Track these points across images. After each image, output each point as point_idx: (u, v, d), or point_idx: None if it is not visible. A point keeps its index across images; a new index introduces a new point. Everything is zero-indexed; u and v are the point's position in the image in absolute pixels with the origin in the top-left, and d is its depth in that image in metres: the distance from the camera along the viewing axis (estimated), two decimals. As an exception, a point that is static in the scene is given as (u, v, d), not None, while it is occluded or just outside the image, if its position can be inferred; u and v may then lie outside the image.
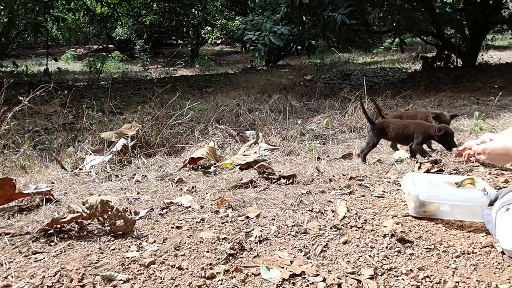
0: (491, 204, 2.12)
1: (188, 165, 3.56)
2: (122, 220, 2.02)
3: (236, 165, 3.53)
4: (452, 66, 10.41)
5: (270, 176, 2.87)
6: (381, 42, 15.05)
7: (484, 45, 12.86)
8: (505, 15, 12.49)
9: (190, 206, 2.41)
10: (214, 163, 3.60)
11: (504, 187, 2.64)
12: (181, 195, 2.67)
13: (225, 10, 19.64)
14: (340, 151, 4.02)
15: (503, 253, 1.92)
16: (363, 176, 2.85)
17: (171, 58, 18.86)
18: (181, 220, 2.25)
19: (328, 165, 3.34)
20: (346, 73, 11.81)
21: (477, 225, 2.18)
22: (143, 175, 3.31)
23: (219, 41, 23.70)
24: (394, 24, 9.02)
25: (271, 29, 7.86)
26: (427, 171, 2.86)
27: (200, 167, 3.54)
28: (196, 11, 16.48)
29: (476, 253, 1.97)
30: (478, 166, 2.93)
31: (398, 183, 2.71)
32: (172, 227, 2.18)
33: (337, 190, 2.63)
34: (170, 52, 20.82)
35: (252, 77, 12.05)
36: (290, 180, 2.84)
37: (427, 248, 1.99)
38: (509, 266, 1.88)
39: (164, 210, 2.42)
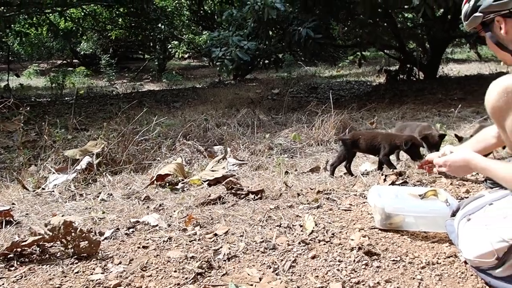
0: (453, 214, 2.18)
1: (155, 182, 3.51)
2: (86, 242, 1.96)
3: (205, 181, 3.51)
4: (414, 79, 10.72)
5: (238, 192, 2.86)
6: (347, 55, 15.36)
7: (444, 58, 13.31)
8: (463, 29, 13.01)
9: (157, 225, 2.37)
10: (182, 180, 3.57)
11: (465, 197, 2.72)
12: (148, 214, 2.63)
13: (192, 25, 19.66)
14: (308, 165, 4.05)
15: (465, 262, 1.97)
16: (330, 190, 2.88)
17: (137, 72, 18.69)
18: (147, 240, 2.21)
19: (296, 179, 3.36)
20: (313, 86, 11.97)
21: (441, 236, 2.23)
22: (108, 194, 3.25)
23: (186, 56, 23.65)
24: (358, 38, 9.23)
25: (238, 44, 7.91)
26: (392, 183, 2.92)
27: (167, 183, 3.49)
28: (163, 26, 16.42)
29: (440, 263, 2.02)
30: (441, 177, 3.01)
31: (365, 196, 2.75)
32: (139, 247, 2.14)
33: (305, 204, 2.65)
34: (137, 66, 20.61)
35: (220, 91, 12.06)
36: (259, 196, 2.84)
37: (393, 260, 2.02)
38: (472, 275, 1.93)
39: (131, 230, 2.37)
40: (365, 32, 8.73)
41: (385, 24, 9.45)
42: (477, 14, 2.05)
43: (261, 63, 8.24)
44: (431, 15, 7.31)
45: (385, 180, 2.99)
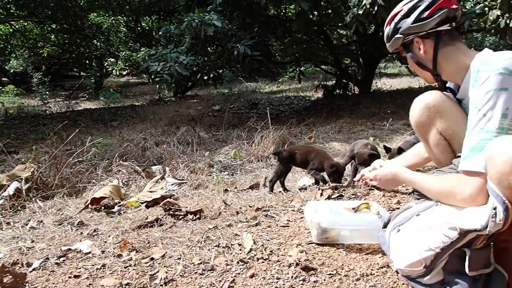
0: (385, 226, 2.26)
1: (90, 206, 3.38)
2: (10, 276, 1.85)
3: (142, 203, 3.42)
4: (350, 94, 11.12)
5: (176, 213, 2.81)
6: (286, 71, 15.69)
7: (377, 73, 13.94)
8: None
9: (90, 252, 2.27)
10: (119, 202, 3.46)
11: (397, 208, 2.83)
12: (80, 240, 2.52)
13: (129, 42, 19.33)
14: (248, 181, 4.07)
15: (397, 272, 2.04)
16: (269, 206, 2.90)
17: (73, 91, 18.07)
18: (79, 268, 2.12)
19: (236, 197, 3.36)
20: (253, 102, 12.10)
21: (374, 247, 2.29)
22: (39, 221, 3.09)
23: (125, 73, 23.19)
24: (295, 55, 9.47)
25: (177, 60, 7.86)
26: (329, 198, 2.99)
27: (103, 207, 3.38)
28: (98, 43, 16.01)
29: (374, 274, 2.08)
30: (373, 190, 3.12)
31: (302, 211, 2.79)
32: (70, 277, 2.04)
33: (244, 222, 2.64)
34: (72, 84, 19.96)
35: (160, 108, 11.90)
36: (197, 216, 2.81)
37: (329, 274, 2.06)
38: (403, 284, 2.00)
39: (61, 259, 2.26)
40: (301, 48, 8.97)
41: (321, 41, 9.77)
42: (398, 35, 2.17)
43: (200, 79, 8.22)
44: (363, 32, 7.65)
45: (321, 194, 3.05)
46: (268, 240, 2.39)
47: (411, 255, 1.91)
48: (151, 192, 3.58)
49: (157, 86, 8.06)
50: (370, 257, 2.22)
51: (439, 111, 2.24)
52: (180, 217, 2.80)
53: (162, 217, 2.81)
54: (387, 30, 2.24)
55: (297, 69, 9.94)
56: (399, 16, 2.16)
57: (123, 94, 19.18)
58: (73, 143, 7.36)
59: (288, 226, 2.58)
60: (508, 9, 6.32)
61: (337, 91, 11.06)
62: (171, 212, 2.83)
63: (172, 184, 3.96)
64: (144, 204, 3.41)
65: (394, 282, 2.02)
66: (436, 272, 1.87)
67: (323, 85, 11.32)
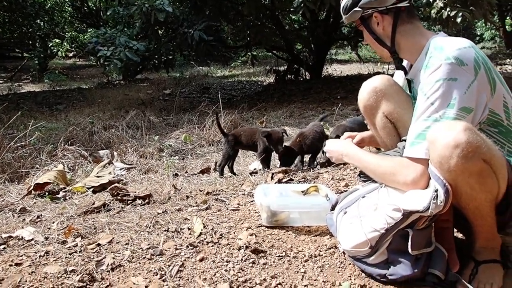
0: (333, 208, 2.32)
1: (33, 192, 3.24)
2: None
3: (89, 188, 3.32)
4: (301, 79, 11.22)
5: (124, 198, 2.75)
6: (238, 56, 15.60)
7: (328, 59, 14.13)
8: (344, 32, 13.94)
9: (32, 239, 2.18)
10: (64, 188, 3.34)
11: (344, 190, 2.90)
12: (22, 227, 2.41)
13: (75, 22, 18.53)
14: (199, 166, 4.04)
15: (344, 253, 2.10)
16: (219, 191, 2.90)
17: (15, 72, 17.16)
18: (21, 256, 2.03)
19: (186, 181, 3.33)
20: (205, 86, 11.98)
21: (323, 229, 2.34)
22: (-24, 208, 2.92)
23: (71, 54, 22.24)
24: (246, 39, 9.42)
25: (127, 44, 7.62)
26: (279, 181, 3.02)
27: (47, 193, 3.25)
28: (42, 22, 15.24)
29: (322, 255, 2.13)
30: (323, 173, 3.19)
31: (252, 195, 2.81)
32: (11, 265, 1.95)
33: (194, 206, 2.63)
34: (15, 66, 18.91)
35: (108, 92, 11.54)
36: (146, 200, 2.76)
37: (279, 256, 2.09)
38: (349, 264, 2.06)
39: (2, 247, 2.16)
40: (252, 32, 8.93)
41: (272, 25, 9.77)
42: (356, 8, 2.10)
43: (152, 64, 8.01)
44: (310, 17, 7.69)
45: (272, 178, 3.08)
46: (218, 224, 2.39)
47: (357, 236, 1.96)
48: (98, 177, 3.47)
49: (105, 70, 7.78)
50: (318, 239, 2.27)
51: (386, 95, 2.30)
52: (129, 202, 2.75)
53: (110, 203, 2.75)
54: (345, 1, 2.16)
55: (250, 54, 9.88)
56: None
57: (70, 77, 18.42)
58: (15, 127, 7.04)
59: (239, 210, 2.59)
60: (451, 1, 6.57)
61: (288, 76, 11.13)
62: (119, 197, 2.77)
63: (121, 169, 3.87)
64: (91, 189, 3.31)
65: (341, 263, 2.08)
66: (380, 252, 1.93)
67: (274, 70, 11.35)
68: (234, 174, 3.56)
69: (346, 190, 2.88)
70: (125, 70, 7.97)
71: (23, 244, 2.17)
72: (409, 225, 1.85)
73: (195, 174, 3.65)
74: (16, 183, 3.67)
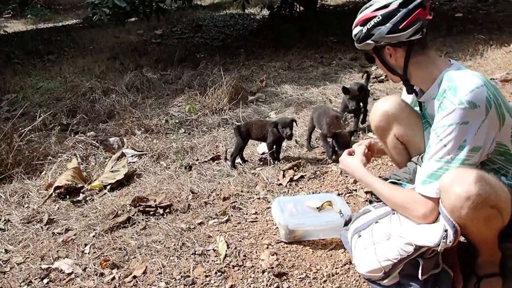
0: (346, 224, 2.50)
1: (53, 192, 3.38)
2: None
3: (106, 185, 3.46)
4: (296, 13, 10.91)
5: (147, 209, 2.90)
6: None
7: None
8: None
9: (72, 272, 2.36)
10: (82, 187, 3.47)
11: (354, 190, 3.07)
12: (57, 251, 2.59)
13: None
14: (208, 146, 4.14)
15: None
16: (235, 195, 3.05)
17: (-6, 5, 16.42)
18: (67, 294, 2.22)
19: (199, 176, 3.45)
20: (197, 24, 11.64)
21: (336, 241, 2.54)
22: (5, 220, 3.07)
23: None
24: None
25: (114, -9, 7.31)
26: (291, 180, 3.17)
27: (67, 194, 3.39)
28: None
29: (338, 273, 2.34)
30: (331, 168, 3.33)
31: (267, 200, 2.98)
32: (60, 306, 2.15)
33: (214, 218, 2.79)
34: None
35: (98, 34, 11.19)
36: (167, 210, 2.92)
37: (300, 278, 2.30)
38: (364, 282, 2.28)
39: (45, 281, 2.34)
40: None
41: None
42: (369, 41, 2.14)
43: (142, 13, 7.74)
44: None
45: (284, 176, 3.23)
46: (240, 241, 2.57)
47: (372, 263, 2.16)
48: (113, 172, 3.59)
49: (93, 17, 7.53)
50: (334, 253, 2.47)
51: (397, 119, 2.40)
52: (151, 213, 2.90)
53: (133, 215, 2.90)
54: (358, 31, 2.19)
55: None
56: (373, 22, 2.10)
57: (53, 9, 17.71)
58: (12, 89, 6.99)
59: (257, 221, 2.76)
60: None
61: (283, 11, 10.81)
62: (141, 209, 2.92)
63: (132, 156, 3.97)
64: (109, 186, 3.45)
65: (356, 281, 2.30)
66: (393, 276, 2.14)
67: (268, 7, 11.00)
68: (245, 161, 3.70)
69: (355, 190, 3.07)
70: (114, 18, 7.69)
71: (65, 278, 2.35)
72: (419, 254, 2.05)
73: (206, 162, 3.76)
74: (33, 177, 3.77)
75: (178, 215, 2.89)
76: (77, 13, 16.64)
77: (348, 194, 3.02)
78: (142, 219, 2.86)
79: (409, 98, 2.52)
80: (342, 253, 2.47)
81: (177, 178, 3.49)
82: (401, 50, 2.14)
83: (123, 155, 3.78)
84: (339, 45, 7.93)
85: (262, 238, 2.60)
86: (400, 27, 2.06)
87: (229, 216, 2.81)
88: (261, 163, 3.67)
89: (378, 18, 2.10)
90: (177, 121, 4.92)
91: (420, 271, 2.04)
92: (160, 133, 4.66)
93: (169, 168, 3.75)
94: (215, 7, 14.33)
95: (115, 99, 5.63)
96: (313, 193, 3.06)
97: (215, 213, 2.86)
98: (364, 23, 2.16)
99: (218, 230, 2.67)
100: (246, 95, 5.53)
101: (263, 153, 3.81)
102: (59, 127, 4.57)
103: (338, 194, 3.00)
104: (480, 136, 1.88)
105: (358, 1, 12.32)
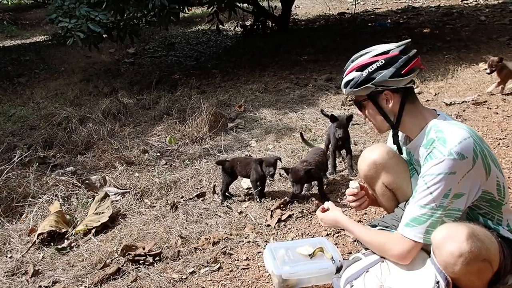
0: (338, 270, 2.54)
1: (36, 240, 3.30)
2: None
3: (91, 229, 3.41)
4: (268, 31, 11.00)
5: (136, 258, 2.87)
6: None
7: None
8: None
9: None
10: (66, 231, 3.40)
11: (341, 229, 3.10)
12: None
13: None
14: (191, 180, 4.13)
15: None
16: (225, 239, 3.05)
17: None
18: None
19: (186, 217, 3.43)
20: (170, 41, 11.61)
21: (329, 286, 2.57)
22: (-13, 273, 2.98)
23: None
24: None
25: (88, 15, 7.22)
26: (279, 220, 3.20)
27: (51, 240, 3.32)
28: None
29: (334, 322, 2.37)
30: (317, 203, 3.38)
31: (257, 243, 2.99)
32: None
33: (206, 267, 2.79)
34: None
35: (69, 53, 10.99)
36: (157, 258, 2.90)
37: (297, 332, 2.32)
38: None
39: None
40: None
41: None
42: (369, 85, 2.17)
43: (117, 37, 7.66)
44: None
45: (272, 216, 3.25)
46: (234, 292, 2.57)
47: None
48: (97, 214, 3.54)
49: (68, 43, 7.40)
50: (327, 301, 2.50)
51: (385, 168, 2.47)
52: (140, 261, 2.87)
53: (123, 265, 2.86)
54: (354, 76, 2.21)
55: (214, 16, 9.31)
56: (375, 66, 2.15)
57: (19, 25, 17.35)
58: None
59: (249, 268, 2.77)
60: None
61: (255, 29, 10.89)
62: (130, 258, 2.88)
63: (115, 194, 3.92)
64: (94, 230, 3.40)
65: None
66: (387, 325, 2.19)
67: (241, 25, 11.05)
68: (231, 196, 3.72)
69: (343, 229, 3.10)
70: (88, 41, 7.59)
71: None
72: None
73: (192, 199, 3.75)
74: (13, 220, 3.67)
75: (168, 263, 2.87)
76: (44, 28, 16.32)
77: (336, 234, 3.06)
78: (132, 269, 2.82)
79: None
80: (335, 299, 2.51)
81: (163, 218, 3.47)
82: (398, 96, 2.20)
83: (106, 195, 3.73)
84: (313, 64, 8.05)
85: (255, 287, 2.61)
86: (402, 72, 2.13)
87: (220, 264, 2.81)
88: (247, 198, 3.69)
89: (381, 62, 2.15)
90: (157, 153, 4.89)
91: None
92: (141, 165, 4.63)
93: (154, 207, 3.72)
94: (186, 22, 14.30)
95: (92, 128, 5.55)
96: (302, 234, 3.09)
97: (206, 260, 2.85)
98: (362, 68, 2.19)
99: (211, 280, 2.67)
100: (225, 122, 5.55)
101: (248, 188, 3.83)
102: (37, 163, 4.46)
103: (327, 234, 3.05)
104: (464, 184, 1.98)
105: (329, 15, 12.58)
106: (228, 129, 5.43)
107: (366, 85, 2.19)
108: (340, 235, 3.05)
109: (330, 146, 4.18)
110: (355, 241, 2.98)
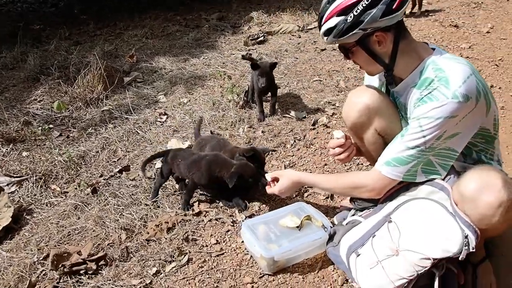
0: (331, 237, 2.21)
1: None
2: None
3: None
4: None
5: (74, 268, 2.19)
6: None
7: None
8: None
9: None
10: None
11: (310, 187, 2.75)
12: None
13: None
14: (103, 152, 3.40)
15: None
16: (180, 222, 2.49)
17: None
18: None
19: (117, 200, 2.76)
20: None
21: (321, 257, 2.24)
22: None
23: None
24: None
25: None
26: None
27: None
28: None
29: (340, 297, 2.06)
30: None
31: (222, 220, 2.50)
32: None
33: (170, 262, 2.23)
34: None
35: None
36: (102, 262, 2.25)
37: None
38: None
39: None
40: None
41: None
42: (356, 31, 1.83)
43: None
44: None
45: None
46: (216, 286, 2.09)
47: (383, 284, 1.92)
48: (-7, 216, 2.68)
49: None
50: (325, 274, 2.18)
51: (378, 112, 2.15)
52: (81, 271, 2.20)
53: (59, 281, 2.16)
54: (337, 22, 1.84)
55: None
56: (360, 7, 1.78)
57: None
58: None
59: (223, 254, 2.29)
60: None
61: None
62: (66, 270, 2.19)
63: (9, 185, 3.03)
64: (-8, 238, 2.57)
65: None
66: (406, 288, 1.95)
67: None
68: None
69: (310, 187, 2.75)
70: None
71: None
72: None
73: (114, 176, 3.05)
74: None
75: (119, 266, 2.23)
76: None
77: (306, 194, 2.70)
78: (73, 284, 2.14)
79: (375, 83, 2.27)
80: (333, 271, 2.19)
81: (86, 206, 2.75)
82: (390, 35, 1.89)
83: (0, 190, 2.85)
84: (199, 3, 7.32)
85: (240, 276, 2.15)
86: (394, 7, 1.79)
87: (188, 255, 2.27)
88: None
89: (365, 1, 1.78)
90: (45, 123, 3.95)
91: (436, 283, 1.88)
92: (28, 141, 3.70)
93: (66, 193, 2.95)
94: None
95: None
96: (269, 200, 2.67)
97: (167, 253, 2.27)
98: (345, 11, 1.83)
99: (184, 278, 2.13)
100: (121, 76, 4.72)
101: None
102: None
103: (297, 195, 2.67)
104: (462, 125, 1.79)
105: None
106: (125, 85, 4.63)
107: (353, 32, 1.84)
108: (310, 194, 2.70)
109: (254, 93, 3.77)
110: (327, 197, 2.66)
